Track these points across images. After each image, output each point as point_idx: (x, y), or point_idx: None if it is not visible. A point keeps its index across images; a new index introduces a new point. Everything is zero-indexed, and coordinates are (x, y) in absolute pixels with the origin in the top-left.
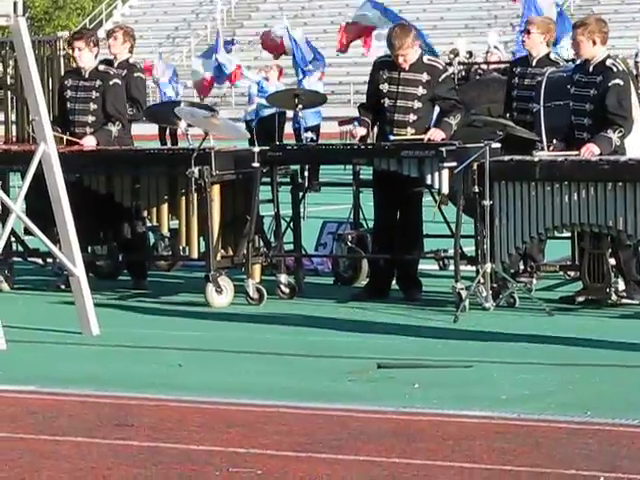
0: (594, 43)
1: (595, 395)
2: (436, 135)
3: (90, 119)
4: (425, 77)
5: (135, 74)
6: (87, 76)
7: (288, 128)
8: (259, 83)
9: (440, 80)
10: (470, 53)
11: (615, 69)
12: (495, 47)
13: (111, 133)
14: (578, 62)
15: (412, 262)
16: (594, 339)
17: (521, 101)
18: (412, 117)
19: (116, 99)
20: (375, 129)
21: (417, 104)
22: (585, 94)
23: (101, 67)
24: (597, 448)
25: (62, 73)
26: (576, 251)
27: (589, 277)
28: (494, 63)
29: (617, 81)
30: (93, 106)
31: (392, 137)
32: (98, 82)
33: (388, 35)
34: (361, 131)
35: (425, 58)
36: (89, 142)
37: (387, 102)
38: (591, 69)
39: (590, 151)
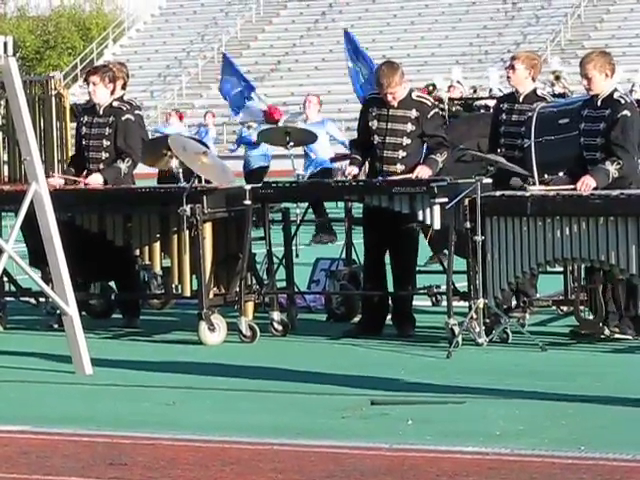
0: (606, 76)
1: (589, 430)
2: (423, 172)
3: (104, 156)
4: (414, 113)
5: (135, 112)
6: (101, 112)
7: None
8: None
9: (428, 117)
10: (434, 85)
11: (623, 101)
12: (458, 82)
13: (120, 170)
14: (585, 97)
15: (406, 298)
16: (587, 374)
17: (509, 137)
18: (401, 153)
19: (127, 135)
20: (366, 165)
21: (406, 140)
22: (595, 129)
23: (115, 103)
24: None
25: (53, 113)
26: (569, 286)
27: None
28: (457, 99)
29: (625, 112)
30: (106, 143)
31: (381, 178)
32: (111, 118)
33: (375, 73)
34: (353, 170)
35: (414, 95)
36: (94, 180)
37: (377, 139)
38: (599, 103)
39: (586, 184)
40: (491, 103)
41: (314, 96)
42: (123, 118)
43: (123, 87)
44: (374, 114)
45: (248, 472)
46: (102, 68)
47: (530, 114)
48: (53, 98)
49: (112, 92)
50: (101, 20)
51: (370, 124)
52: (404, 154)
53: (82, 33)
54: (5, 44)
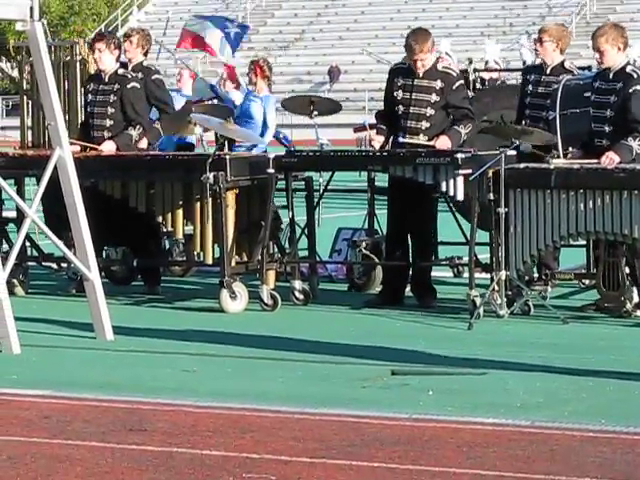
0: (618, 49)
1: (609, 403)
2: (443, 143)
3: (108, 123)
4: (439, 84)
5: (153, 76)
6: (107, 80)
7: None
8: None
9: (454, 88)
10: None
11: (636, 75)
12: (446, 53)
13: (131, 137)
14: (597, 70)
15: (426, 269)
16: (608, 347)
17: (534, 109)
18: (425, 124)
19: (135, 103)
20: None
21: (430, 111)
22: (605, 101)
23: (120, 71)
24: (611, 456)
25: (78, 78)
26: (591, 259)
27: (604, 285)
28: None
29: (638, 87)
30: (111, 110)
31: (401, 140)
32: (116, 86)
33: (407, 39)
34: (379, 139)
35: (440, 65)
36: (108, 147)
37: (401, 109)
38: (611, 76)
39: (610, 159)
40: (486, 76)
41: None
42: (129, 86)
43: (144, 54)
44: (399, 84)
45: (268, 440)
46: (108, 34)
47: (556, 86)
48: (78, 63)
49: (117, 58)
50: None
51: (395, 94)
52: (428, 125)
53: None
54: (31, 9)
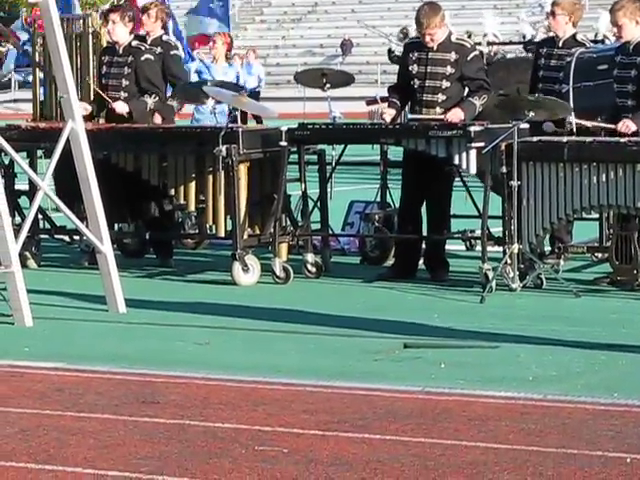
0: (637, 23)
1: (622, 377)
2: (455, 116)
3: (122, 95)
4: (453, 56)
5: (172, 52)
6: (121, 52)
7: None
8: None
9: (468, 59)
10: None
11: None
12: (494, 34)
13: (146, 104)
14: (618, 43)
15: (439, 242)
16: (621, 321)
17: (547, 82)
18: (441, 97)
19: (150, 74)
20: (407, 109)
21: (445, 83)
22: (627, 75)
23: (134, 43)
24: (624, 429)
25: (90, 51)
26: (604, 233)
27: (617, 259)
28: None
29: None
30: (125, 82)
31: (410, 116)
32: (130, 58)
33: (417, 13)
34: (390, 112)
35: (453, 37)
36: (120, 106)
37: (416, 83)
38: (631, 50)
39: (627, 126)
40: (485, 49)
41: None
42: (142, 58)
43: (163, 27)
44: (414, 58)
45: (280, 413)
46: (120, 7)
47: (569, 59)
48: (90, 36)
49: (131, 31)
50: None
51: (410, 68)
52: (444, 97)
53: None
54: None
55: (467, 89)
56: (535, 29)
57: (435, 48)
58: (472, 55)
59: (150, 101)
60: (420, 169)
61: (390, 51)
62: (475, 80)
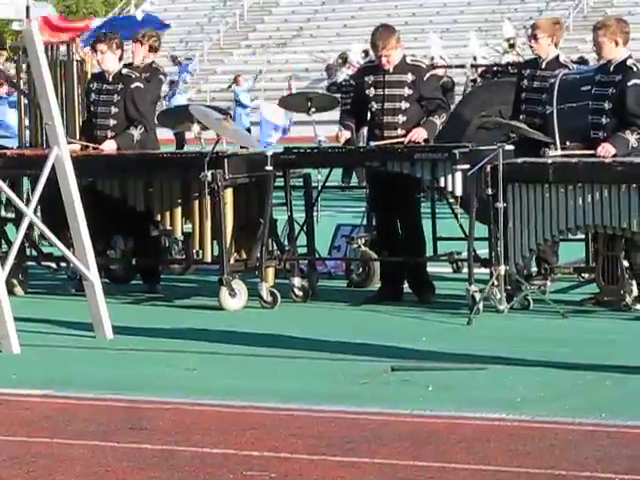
0: (616, 44)
1: (609, 397)
2: (418, 135)
3: (112, 122)
4: (410, 77)
5: (159, 76)
6: (110, 79)
7: None
8: None
9: (425, 79)
10: (366, 52)
11: (635, 69)
12: (441, 57)
13: (133, 137)
14: (598, 63)
15: (419, 264)
16: (608, 341)
17: (530, 104)
18: (401, 118)
19: (138, 102)
20: (364, 132)
21: (405, 105)
22: (604, 93)
23: (124, 71)
24: (612, 450)
25: (75, 78)
26: (590, 253)
27: (603, 279)
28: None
29: (636, 81)
30: (114, 109)
31: (372, 143)
32: (120, 85)
33: (372, 36)
34: (346, 134)
35: (408, 59)
36: (108, 146)
37: (375, 106)
38: (612, 69)
39: (606, 150)
40: (469, 72)
41: None
42: (132, 86)
43: (155, 52)
44: (370, 82)
45: (268, 437)
46: (109, 35)
47: (552, 81)
48: (75, 63)
49: (120, 58)
50: None
51: (367, 92)
52: (404, 119)
53: None
54: (27, 8)
55: (425, 109)
56: (487, 51)
57: (391, 70)
58: (428, 75)
59: (136, 133)
60: (384, 191)
61: (333, 84)
62: (432, 100)
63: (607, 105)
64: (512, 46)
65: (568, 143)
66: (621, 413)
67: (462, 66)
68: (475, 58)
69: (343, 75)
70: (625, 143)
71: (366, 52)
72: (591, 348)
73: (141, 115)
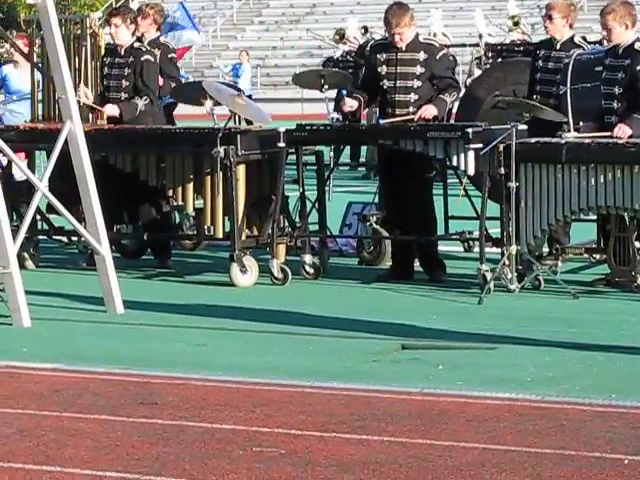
0: (626, 27)
1: (619, 378)
2: (428, 112)
3: (123, 96)
4: (422, 56)
5: (169, 54)
6: (122, 53)
7: None
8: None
9: (437, 58)
10: (365, 29)
11: None
12: (443, 33)
13: (137, 106)
14: (608, 46)
15: (430, 243)
16: (619, 322)
17: (545, 84)
18: (413, 96)
19: (147, 75)
20: (369, 110)
21: (417, 83)
22: (614, 78)
23: (136, 44)
24: (621, 431)
25: (88, 52)
26: (601, 234)
27: (615, 260)
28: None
29: None
30: (125, 83)
31: (382, 121)
32: (131, 59)
33: (385, 13)
34: (351, 102)
35: (421, 37)
36: (110, 108)
37: (386, 84)
38: (620, 52)
39: (623, 131)
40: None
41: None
42: (142, 58)
43: (158, 29)
44: (382, 59)
45: (278, 414)
46: (123, 9)
47: (566, 61)
48: (88, 37)
49: (133, 33)
50: None
51: (379, 70)
52: (416, 97)
53: None
54: None
55: (436, 87)
56: (494, 31)
57: (404, 48)
58: (440, 54)
59: (140, 103)
60: (396, 170)
61: (329, 59)
62: (444, 78)
63: (617, 90)
64: (516, 24)
65: (581, 123)
66: (632, 394)
67: (464, 45)
68: (481, 36)
69: (339, 51)
70: None
71: (365, 28)
72: (602, 329)
73: (147, 87)
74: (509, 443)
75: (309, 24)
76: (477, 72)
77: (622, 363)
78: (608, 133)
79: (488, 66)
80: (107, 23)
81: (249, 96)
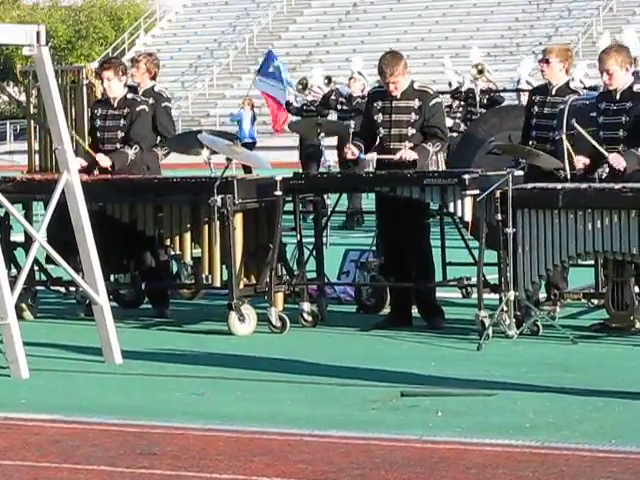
0: (626, 70)
1: (619, 423)
2: (408, 154)
3: (118, 147)
4: (417, 103)
5: (163, 103)
6: (116, 105)
7: None
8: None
9: (430, 105)
10: (329, 79)
11: None
12: (359, 72)
13: (127, 156)
14: (600, 91)
15: (428, 289)
16: (618, 367)
17: (540, 130)
18: (407, 144)
19: (140, 124)
20: (371, 156)
21: (411, 130)
22: (617, 122)
23: (129, 95)
24: (622, 476)
25: (84, 102)
26: (599, 279)
27: (613, 305)
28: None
29: None
30: (121, 134)
31: (362, 156)
32: (126, 110)
33: (379, 63)
34: (354, 149)
35: (416, 85)
36: (102, 158)
37: (382, 132)
38: (619, 96)
39: (617, 161)
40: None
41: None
42: (138, 109)
43: (153, 78)
44: (378, 107)
45: (277, 463)
46: (114, 62)
47: (562, 107)
48: (84, 88)
49: (125, 84)
50: (133, 10)
51: (375, 118)
52: (410, 145)
53: (114, 23)
54: (38, 33)
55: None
56: (462, 77)
57: (399, 96)
58: (434, 102)
59: (131, 152)
60: (393, 216)
61: (288, 103)
62: (432, 127)
63: (622, 133)
64: (481, 72)
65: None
66: (632, 439)
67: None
68: (450, 84)
69: (302, 100)
70: (637, 158)
71: (328, 78)
72: (601, 374)
73: (138, 136)
74: None
75: (305, 72)
76: (449, 121)
77: (622, 408)
78: (605, 153)
79: (459, 114)
80: (98, 76)
81: (253, 143)
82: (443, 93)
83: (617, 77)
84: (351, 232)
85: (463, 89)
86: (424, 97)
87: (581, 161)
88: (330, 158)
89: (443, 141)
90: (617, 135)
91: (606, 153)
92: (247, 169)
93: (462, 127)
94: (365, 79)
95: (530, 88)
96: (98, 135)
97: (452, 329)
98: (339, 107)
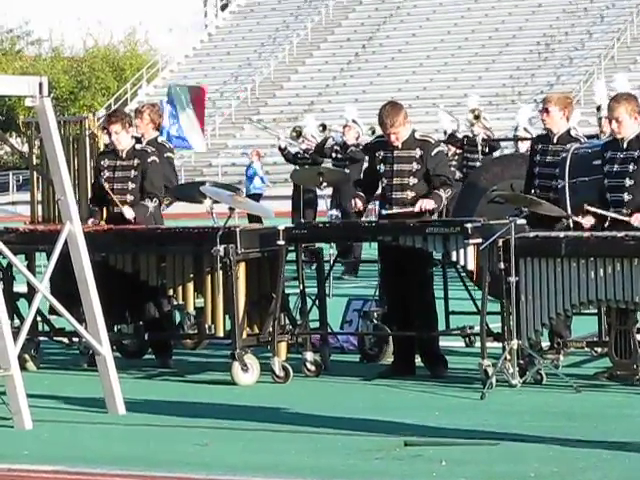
0: (635, 119)
1: (624, 472)
2: (426, 203)
3: (129, 198)
4: (418, 152)
5: (165, 154)
6: (124, 156)
7: None
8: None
9: (432, 154)
10: (324, 126)
11: None
12: (353, 121)
13: (148, 209)
14: (606, 139)
15: (432, 338)
16: (622, 416)
17: (543, 178)
18: (410, 194)
19: (154, 176)
20: (374, 206)
21: (413, 180)
22: (624, 170)
23: (138, 146)
24: None
25: (87, 153)
26: (603, 327)
27: (616, 353)
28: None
29: None
30: (132, 185)
31: (384, 212)
32: (136, 161)
33: (379, 113)
34: (358, 203)
35: (417, 134)
36: (129, 213)
37: (385, 182)
38: (626, 145)
39: (639, 220)
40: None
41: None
42: (149, 160)
43: (157, 128)
44: (380, 157)
45: None
46: (119, 115)
47: (564, 155)
48: (87, 138)
49: (132, 136)
50: (135, 61)
51: (377, 168)
52: (412, 194)
53: (116, 74)
54: (40, 84)
55: (431, 184)
56: (457, 123)
57: (400, 146)
58: (436, 150)
59: (151, 205)
60: (396, 265)
61: (283, 148)
62: (438, 176)
63: (628, 182)
64: (477, 117)
65: (581, 218)
66: None
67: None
68: (445, 132)
69: (296, 149)
70: None
71: (323, 126)
72: (605, 423)
73: (156, 189)
74: None
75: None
76: None
77: (625, 457)
78: (626, 218)
79: (454, 162)
80: (105, 130)
81: (260, 194)
82: (441, 142)
83: (626, 125)
84: (353, 280)
85: (459, 134)
86: (425, 146)
87: (589, 222)
88: (333, 208)
89: (452, 187)
90: (622, 183)
91: (627, 218)
92: (252, 218)
93: (457, 175)
94: (360, 127)
95: (528, 135)
96: (106, 187)
97: (455, 378)
98: (334, 155)
